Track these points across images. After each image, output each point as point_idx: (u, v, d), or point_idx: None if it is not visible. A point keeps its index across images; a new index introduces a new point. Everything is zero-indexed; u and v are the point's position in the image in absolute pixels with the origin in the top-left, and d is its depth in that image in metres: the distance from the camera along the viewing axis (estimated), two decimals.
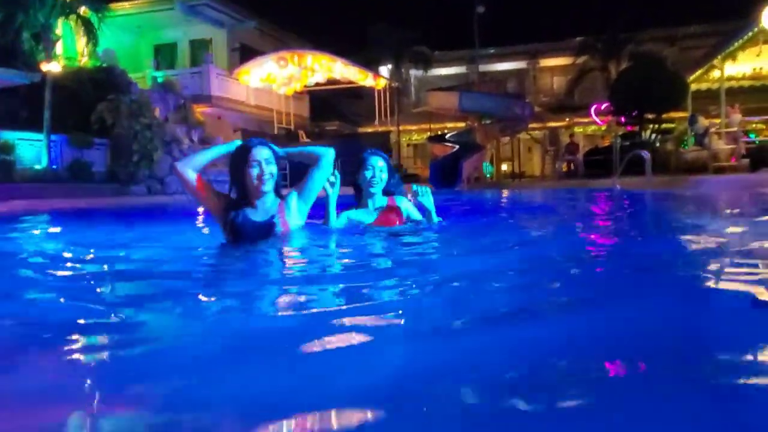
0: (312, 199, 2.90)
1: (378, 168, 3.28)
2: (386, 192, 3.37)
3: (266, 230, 2.69)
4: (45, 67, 14.23)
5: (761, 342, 1.20)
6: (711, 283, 1.89)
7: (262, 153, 2.63)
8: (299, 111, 25.21)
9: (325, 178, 2.93)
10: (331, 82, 22.47)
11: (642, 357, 1.13)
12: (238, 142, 2.78)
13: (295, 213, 2.79)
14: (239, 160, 2.64)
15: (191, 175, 2.67)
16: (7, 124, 13.79)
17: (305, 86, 23.13)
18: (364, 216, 3.30)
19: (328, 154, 2.87)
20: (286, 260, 2.57)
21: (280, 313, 1.67)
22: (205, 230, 3.98)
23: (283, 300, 1.82)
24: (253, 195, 2.67)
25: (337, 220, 3.19)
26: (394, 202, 3.38)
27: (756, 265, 2.04)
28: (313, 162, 2.88)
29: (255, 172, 2.61)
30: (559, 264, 2.45)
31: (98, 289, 2.03)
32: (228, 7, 21.94)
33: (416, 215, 3.44)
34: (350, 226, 3.24)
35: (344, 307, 1.64)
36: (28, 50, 15.69)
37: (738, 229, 3.37)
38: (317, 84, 22.83)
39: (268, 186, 2.66)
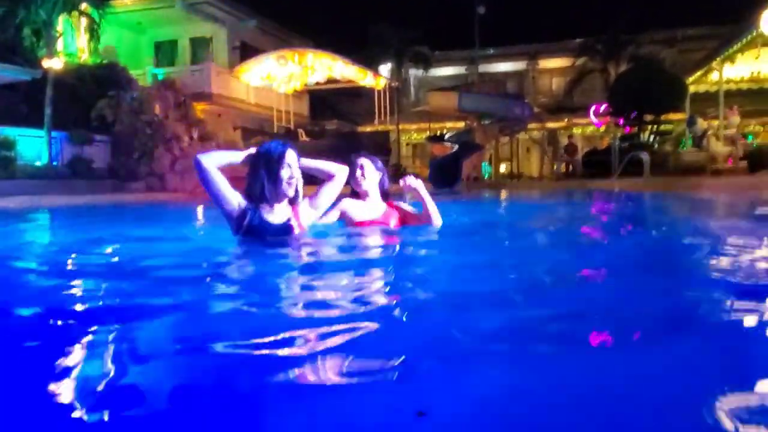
0: (322, 210, 2.96)
1: (358, 165, 3.34)
2: (384, 195, 3.43)
3: (282, 232, 2.73)
4: (46, 63, 14.25)
5: None
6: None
7: (293, 156, 2.69)
8: (299, 110, 25.25)
9: (336, 194, 2.98)
10: (331, 81, 22.51)
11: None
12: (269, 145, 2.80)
13: (306, 220, 2.85)
14: (273, 161, 2.65)
15: (214, 172, 2.67)
16: (7, 120, 13.80)
17: (305, 85, 23.17)
18: (365, 210, 3.34)
19: (342, 172, 2.94)
20: (299, 261, 2.61)
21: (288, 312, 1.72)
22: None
23: (292, 298, 1.88)
24: (277, 197, 2.71)
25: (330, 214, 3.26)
26: (392, 206, 3.43)
27: None
28: (326, 177, 2.93)
29: (286, 174, 2.66)
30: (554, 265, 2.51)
31: (98, 290, 2.06)
32: (229, 5, 21.98)
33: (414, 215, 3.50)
34: (346, 227, 3.29)
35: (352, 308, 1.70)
36: (28, 46, 15.70)
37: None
38: (317, 83, 22.87)
39: (293, 190, 2.71)
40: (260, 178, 2.67)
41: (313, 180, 2.96)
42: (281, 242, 2.71)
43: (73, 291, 2.03)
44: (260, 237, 2.70)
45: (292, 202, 2.78)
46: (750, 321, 1.41)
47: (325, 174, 2.92)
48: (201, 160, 2.66)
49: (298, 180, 2.71)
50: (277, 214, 2.74)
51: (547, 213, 6.24)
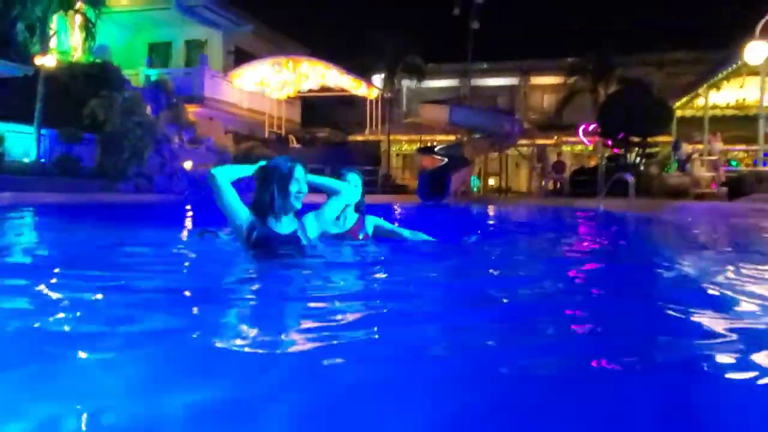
0: (328, 222, 3.15)
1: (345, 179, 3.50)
2: (357, 209, 3.63)
3: (290, 242, 2.87)
4: (39, 60, 14.21)
5: None
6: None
7: (302, 171, 2.87)
8: (290, 116, 25.34)
9: (341, 208, 3.18)
10: (324, 89, 22.64)
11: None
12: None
13: (312, 231, 3.01)
14: (284, 176, 2.82)
15: (226, 185, 2.80)
16: None
17: (298, 92, 23.28)
18: (332, 227, 3.49)
19: (348, 190, 3.17)
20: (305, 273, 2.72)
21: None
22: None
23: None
24: (285, 209, 2.86)
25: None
26: (362, 220, 3.65)
27: None
28: (332, 193, 3.11)
29: (295, 188, 2.82)
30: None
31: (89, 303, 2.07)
32: (225, 10, 22.05)
33: (385, 229, 3.72)
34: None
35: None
36: (22, 42, 15.65)
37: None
38: (310, 90, 22.98)
39: (299, 203, 2.88)
40: (270, 192, 2.81)
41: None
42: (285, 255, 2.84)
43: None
44: (270, 249, 2.81)
45: (296, 216, 2.95)
46: None
47: (331, 191, 3.10)
48: (215, 174, 2.78)
49: (305, 193, 2.89)
50: (284, 224, 2.88)
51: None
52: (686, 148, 15.04)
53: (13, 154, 13.70)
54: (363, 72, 23.60)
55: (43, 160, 14.21)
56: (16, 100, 15.02)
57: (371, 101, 23.05)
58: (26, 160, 13.98)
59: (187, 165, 16.58)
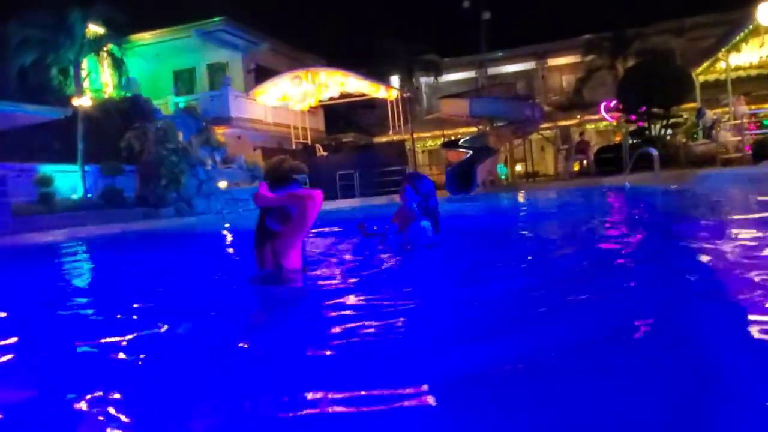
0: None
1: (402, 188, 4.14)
2: (426, 212, 4.10)
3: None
4: (76, 102, 15.07)
5: None
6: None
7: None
8: (315, 125, 25.90)
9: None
10: (344, 95, 23.10)
11: None
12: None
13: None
14: None
15: None
16: (42, 157, 14.64)
17: (320, 101, 23.81)
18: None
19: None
20: None
21: None
22: None
23: None
24: None
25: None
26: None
27: None
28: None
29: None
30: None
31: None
32: (242, 31, 22.77)
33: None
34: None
35: None
36: (57, 85, 16.59)
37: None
38: (331, 98, 23.48)
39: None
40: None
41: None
42: None
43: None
44: None
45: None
46: None
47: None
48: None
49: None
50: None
51: None
52: (710, 115, 14.94)
53: (62, 192, 14.58)
54: (381, 75, 23.98)
55: (89, 195, 15.07)
56: (57, 142, 15.95)
57: (392, 102, 23.41)
58: (74, 196, 14.86)
59: (222, 185, 17.27)
